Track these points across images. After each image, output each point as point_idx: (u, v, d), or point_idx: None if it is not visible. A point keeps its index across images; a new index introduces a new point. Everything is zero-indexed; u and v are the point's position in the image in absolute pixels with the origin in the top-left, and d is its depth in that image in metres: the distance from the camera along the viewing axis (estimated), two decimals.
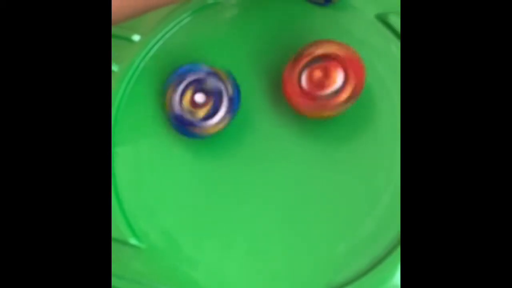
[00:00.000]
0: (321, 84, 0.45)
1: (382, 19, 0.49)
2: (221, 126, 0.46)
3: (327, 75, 0.45)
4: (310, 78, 0.45)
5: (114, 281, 0.47)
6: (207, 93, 0.46)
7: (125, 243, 0.48)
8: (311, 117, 0.46)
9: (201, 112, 0.46)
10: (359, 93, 0.45)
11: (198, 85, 0.46)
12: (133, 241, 0.48)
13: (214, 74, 0.47)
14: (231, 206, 0.48)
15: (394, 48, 0.49)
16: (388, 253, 0.45)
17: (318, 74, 0.45)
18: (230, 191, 0.48)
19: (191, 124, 0.46)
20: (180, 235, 0.48)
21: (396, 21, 0.49)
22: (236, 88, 0.47)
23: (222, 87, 0.46)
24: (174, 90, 0.47)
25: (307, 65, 0.45)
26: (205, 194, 0.48)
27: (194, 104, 0.46)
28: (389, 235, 0.46)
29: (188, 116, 0.46)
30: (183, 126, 0.46)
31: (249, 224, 0.47)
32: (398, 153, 0.47)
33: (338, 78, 0.45)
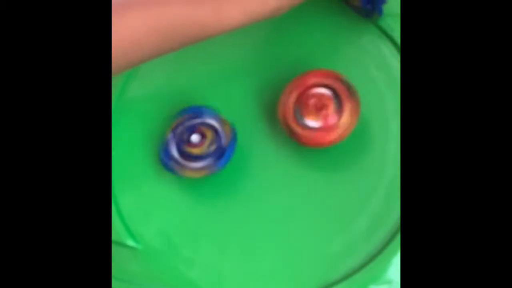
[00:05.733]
0: (318, 114, 0.46)
1: (376, 23, 0.50)
2: (206, 172, 0.47)
3: (322, 105, 0.46)
4: (306, 109, 0.46)
5: (112, 282, 0.47)
6: (203, 135, 0.47)
7: (122, 244, 0.48)
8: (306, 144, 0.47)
9: (196, 150, 0.47)
10: (357, 118, 0.46)
11: (196, 127, 0.47)
12: (130, 242, 0.49)
13: (215, 120, 0.47)
14: (226, 207, 0.49)
15: (385, 49, 0.50)
16: (381, 249, 0.46)
17: (313, 104, 0.46)
18: (226, 194, 0.49)
19: (180, 166, 0.47)
20: (176, 236, 0.49)
21: (391, 23, 0.50)
22: (233, 139, 0.47)
23: (221, 135, 0.47)
24: (173, 132, 0.48)
25: (301, 96, 0.46)
26: (201, 196, 0.49)
27: (191, 145, 0.47)
28: (382, 232, 0.47)
29: (179, 160, 0.47)
30: (173, 168, 0.48)
31: (244, 224, 0.48)
32: (389, 152, 0.48)
33: (333, 106, 0.45)
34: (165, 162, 0.47)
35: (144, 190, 0.50)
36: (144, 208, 0.49)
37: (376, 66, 0.49)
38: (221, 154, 0.47)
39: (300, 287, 0.47)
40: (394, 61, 0.49)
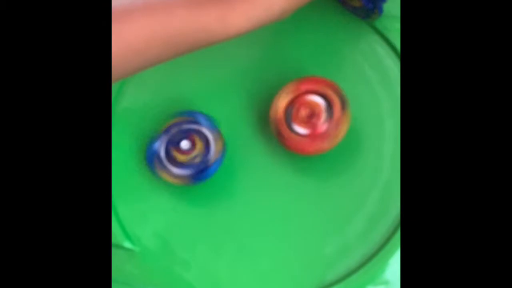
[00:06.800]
0: (309, 122, 0.46)
1: (372, 23, 0.50)
2: (181, 181, 0.47)
3: (313, 113, 0.46)
4: (296, 116, 0.46)
5: None
6: (193, 144, 0.47)
7: (119, 246, 0.49)
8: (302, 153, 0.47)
9: (181, 157, 0.47)
10: (346, 129, 0.46)
11: (190, 133, 0.47)
12: (127, 244, 0.49)
13: (211, 133, 0.47)
14: (222, 209, 0.49)
15: (381, 50, 0.50)
16: (378, 250, 0.46)
17: (304, 112, 0.46)
18: (222, 197, 0.49)
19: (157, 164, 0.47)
20: (173, 238, 0.49)
21: (387, 24, 0.50)
22: (220, 158, 0.47)
23: (211, 151, 0.47)
24: (167, 130, 0.47)
25: (293, 103, 0.46)
26: (197, 198, 0.49)
27: (179, 150, 0.47)
28: (379, 233, 0.47)
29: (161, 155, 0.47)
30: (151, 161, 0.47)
31: (240, 226, 0.48)
32: (384, 152, 0.48)
33: (324, 115, 0.45)
34: (150, 157, 0.47)
35: (140, 192, 0.50)
36: (140, 210, 0.49)
37: (371, 66, 0.49)
38: (202, 169, 0.46)
39: None
40: (389, 61, 0.49)
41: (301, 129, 0.46)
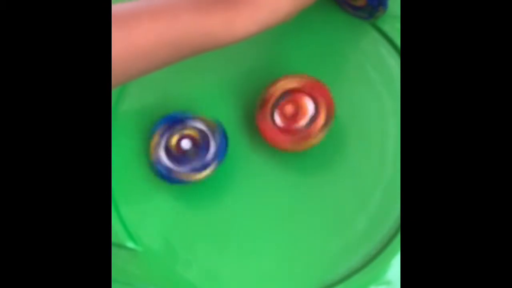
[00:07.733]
0: (295, 117, 0.46)
1: (373, 23, 0.50)
2: (207, 173, 0.47)
3: (298, 107, 0.46)
4: (283, 115, 0.46)
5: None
6: (193, 141, 0.47)
7: (121, 246, 0.49)
8: (295, 151, 0.47)
9: (182, 156, 0.47)
10: (333, 115, 0.46)
11: (184, 132, 0.47)
12: (129, 244, 0.49)
13: (201, 122, 0.47)
14: (224, 209, 0.49)
15: (383, 49, 0.50)
16: (380, 250, 0.46)
17: (289, 109, 0.46)
18: (223, 196, 0.49)
19: (176, 174, 0.47)
20: (175, 238, 0.49)
21: (389, 24, 0.49)
22: (224, 137, 0.47)
23: (210, 136, 0.47)
24: (160, 138, 0.47)
25: (276, 104, 0.46)
26: (199, 198, 0.49)
27: (180, 150, 0.47)
28: (381, 233, 0.47)
29: (171, 166, 0.47)
30: (168, 177, 0.47)
31: (242, 226, 0.48)
32: (387, 151, 0.48)
33: (309, 107, 0.46)
34: (169, 178, 0.47)
35: (143, 192, 0.50)
36: (143, 210, 0.49)
37: (373, 66, 0.49)
38: (201, 169, 0.47)
39: None
40: (392, 61, 0.49)
41: (292, 126, 0.46)
